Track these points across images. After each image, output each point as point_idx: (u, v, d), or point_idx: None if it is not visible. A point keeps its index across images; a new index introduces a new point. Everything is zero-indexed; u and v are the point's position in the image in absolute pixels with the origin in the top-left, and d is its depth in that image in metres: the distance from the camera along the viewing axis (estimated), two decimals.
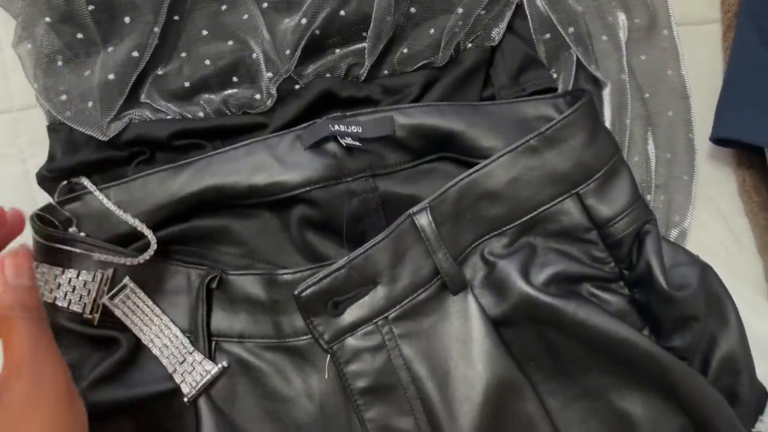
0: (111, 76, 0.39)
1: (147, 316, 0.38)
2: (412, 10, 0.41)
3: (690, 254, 0.39)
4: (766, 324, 0.43)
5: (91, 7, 0.39)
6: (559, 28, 0.42)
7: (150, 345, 0.37)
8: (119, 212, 0.37)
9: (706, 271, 0.39)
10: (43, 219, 0.37)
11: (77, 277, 0.36)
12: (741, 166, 0.45)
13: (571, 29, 0.42)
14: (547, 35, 0.43)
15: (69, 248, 0.36)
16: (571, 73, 0.43)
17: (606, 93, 0.42)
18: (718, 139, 0.43)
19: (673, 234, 0.42)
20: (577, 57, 0.42)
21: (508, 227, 0.38)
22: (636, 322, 0.38)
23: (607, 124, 0.42)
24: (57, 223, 0.38)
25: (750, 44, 0.44)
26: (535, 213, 0.38)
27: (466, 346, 0.37)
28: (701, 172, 0.44)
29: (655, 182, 0.43)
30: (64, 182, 0.39)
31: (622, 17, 0.43)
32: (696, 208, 0.44)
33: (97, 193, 0.38)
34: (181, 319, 0.38)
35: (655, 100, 0.43)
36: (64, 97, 0.39)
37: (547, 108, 0.40)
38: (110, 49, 0.39)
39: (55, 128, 0.41)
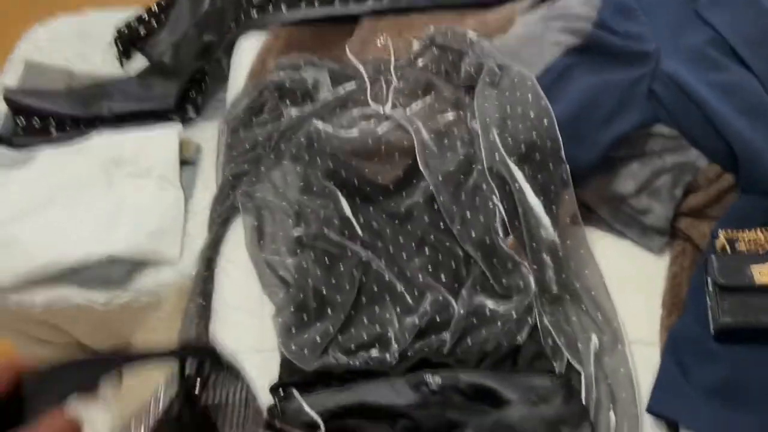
0: (317, 339, 0.76)
1: None
2: (474, 320, 0.78)
3: None
4: None
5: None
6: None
7: None
8: (311, 411, 0.71)
9: None
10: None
11: None
12: None
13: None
14: (549, 341, 0.77)
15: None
16: (563, 363, 0.75)
17: (583, 377, 0.74)
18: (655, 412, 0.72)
19: None
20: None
21: None
22: None
23: (583, 395, 0.73)
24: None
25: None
26: None
27: None
28: None
29: None
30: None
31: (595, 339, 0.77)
32: None
33: (300, 399, 0.72)
34: None
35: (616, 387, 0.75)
36: (294, 347, 0.76)
37: (545, 380, 0.72)
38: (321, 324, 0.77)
39: None
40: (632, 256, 0.84)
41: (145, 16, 1.32)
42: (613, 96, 0.80)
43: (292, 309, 0.78)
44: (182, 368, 0.51)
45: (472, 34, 0.96)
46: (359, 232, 0.85)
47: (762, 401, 0.68)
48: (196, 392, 0.52)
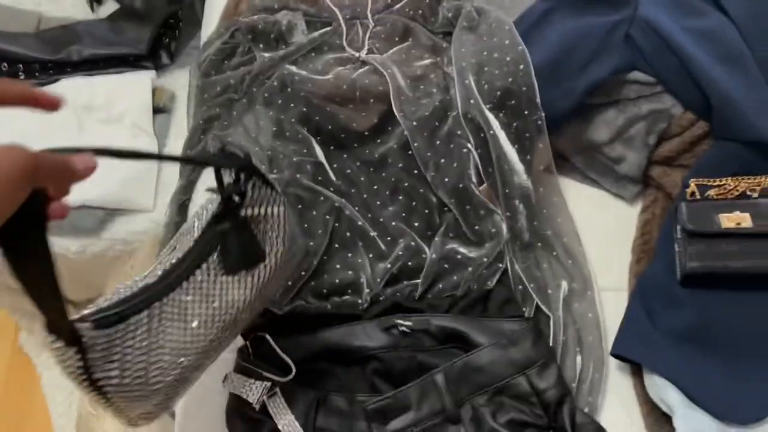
0: (289, 283, 0.76)
1: (282, 411, 0.69)
2: (446, 266, 0.78)
3: (591, 417, 0.68)
4: None
5: None
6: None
7: (282, 428, 0.68)
8: (283, 355, 0.72)
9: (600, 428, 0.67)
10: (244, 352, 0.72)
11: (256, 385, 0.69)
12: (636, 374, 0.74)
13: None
14: (519, 286, 0.78)
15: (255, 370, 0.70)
16: (533, 308, 0.76)
17: (552, 321, 0.75)
18: (617, 355, 0.74)
19: (586, 408, 0.71)
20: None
21: (486, 389, 0.69)
22: None
23: (551, 339, 0.74)
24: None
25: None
26: (502, 383, 0.69)
27: None
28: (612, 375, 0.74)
29: (580, 377, 0.73)
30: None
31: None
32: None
33: (272, 343, 0.73)
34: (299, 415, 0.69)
35: (583, 331, 0.76)
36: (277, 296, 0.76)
37: (514, 325, 0.73)
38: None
39: None
40: (605, 204, 0.85)
41: None
42: (590, 41, 0.79)
43: None
44: (219, 176, 0.52)
45: None
46: (333, 178, 0.84)
47: (726, 345, 0.69)
48: (236, 201, 0.53)
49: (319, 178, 0.84)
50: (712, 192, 0.75)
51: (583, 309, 0.77)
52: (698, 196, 0.76)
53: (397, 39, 0.93)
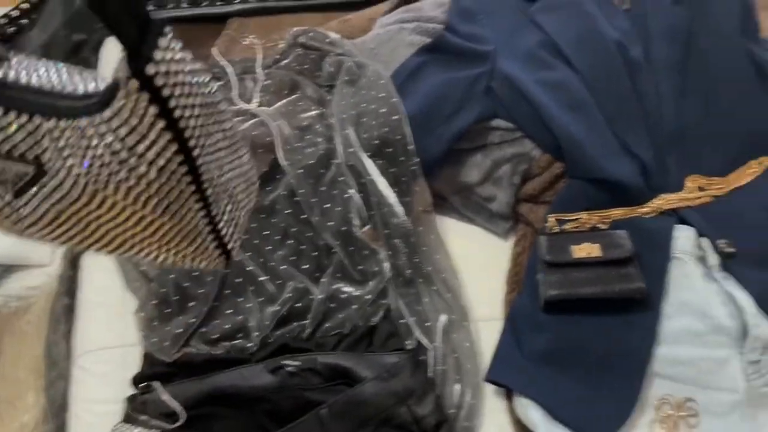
0: (179, 331, 0.78)
1: None
2: (332, 305, 0.82)
3: None
4: None
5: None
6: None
7: None
8: (171, 401, 0.73)
9: None
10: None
11: None
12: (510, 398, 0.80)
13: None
14: (402, 321, 0.83)
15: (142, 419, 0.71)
16: (414, 340, 0.81)
17: (430, 352, 0.80)
18: (492, 381, 0.80)
19: None
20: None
21: (370, 421, 0.73)
22: None
23: (431, 369, 0.80)
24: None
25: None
26: (384, 413, 0.73)
27: None
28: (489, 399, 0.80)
29: (459, 403, 0.78)
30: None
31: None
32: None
33: (161, 390, 0.74)
34: None
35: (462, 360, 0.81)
36: (155, 339, 0.78)
37: (395, 357, 0.78)
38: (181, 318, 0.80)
39: None
40: (481, 240, 0.92)
41: (16, 13, 1.28)
42: (456, 92, 0.87)
43: (154, 302, 0.80)
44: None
45: (333, 35, 1.00)
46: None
47: (582, 365, 0.76)
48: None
49: None
50: (568, 225, 0.84)
51: (461, 339, 0.83)
52: (557, 230, 0.84)
53: (285, 92, 0.98)
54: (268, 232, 0.88)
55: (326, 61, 0.97)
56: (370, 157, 0.86)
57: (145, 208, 0.41)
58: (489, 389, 0.80)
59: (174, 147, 0.39)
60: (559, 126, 0.83)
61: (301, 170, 0.88)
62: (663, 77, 0.88)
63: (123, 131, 0.38)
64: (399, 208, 0.86)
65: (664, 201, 0.85)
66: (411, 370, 0.76)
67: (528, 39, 0.89)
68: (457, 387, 0.80)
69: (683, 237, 0.81)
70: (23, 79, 0.40)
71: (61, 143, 0.39)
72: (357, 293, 0.83)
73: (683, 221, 0.84)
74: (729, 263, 0.80)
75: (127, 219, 0.42)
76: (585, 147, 0.83)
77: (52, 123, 0.39)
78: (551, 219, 0.84)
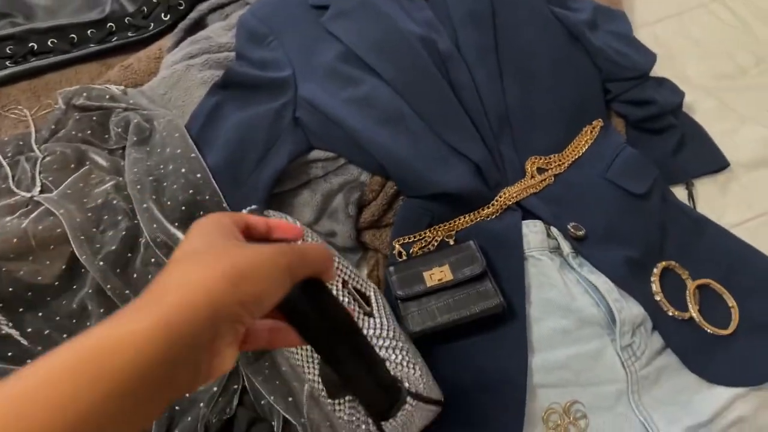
0: None
1: None
2: (177, 408, 0.71)
3: None
4: None
5: None
6: None
7: None
8: None
9: None
10: None
11: None
12: None
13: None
14: (263, 401, 0.73)
15: None
16: (280, 419, 0.72)
17: (299, 426, 0.71)
18: None
19: None
20: None
21: None
22: None
23: None
24: None
25: None
26: None
27: None
28: None
29: None
30: None
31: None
32: None
33: None
34: None
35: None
36: None
37: None
38: None
39: None
40: None
41: None
42: (260, 132, 0.77)
43: None
44: None
45: (113, 88, 0.86)
46: (27, 345, 0.73)
47: (461, 398, 0.70)
48: None
49: (9, 353, 0.72)
50: (415, 248, 0.77)
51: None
52: (405, 255, 0.77)
53: (72, 166, 0.84)
54: None
55: (112, 120, 0.84)
56: (179, 227, 0.74)
57: None
58: None
59: None
60: (376, 145, 0.76)
61: (103, 261, 0.75)
62: (476, 64, 0.83)
63: None
64: None
65: (507, 195, 0.80)
66: None
67: (326, 54, 0.79)
68: None
69: (532, 233, 0.76)
70: None
71: None
72: (202, 387, 0.72)
73: (530, 213, 0.79)
74: (581, 247, 0.77)
75: None
76: (410, 163, 0.76)
77: None
78: (396, 245, 0.76)
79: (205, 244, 0.34)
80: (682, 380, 0.72)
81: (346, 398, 0.60)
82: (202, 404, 0.71)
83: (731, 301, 0.77)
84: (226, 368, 0.34)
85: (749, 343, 0.75)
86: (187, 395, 0.71)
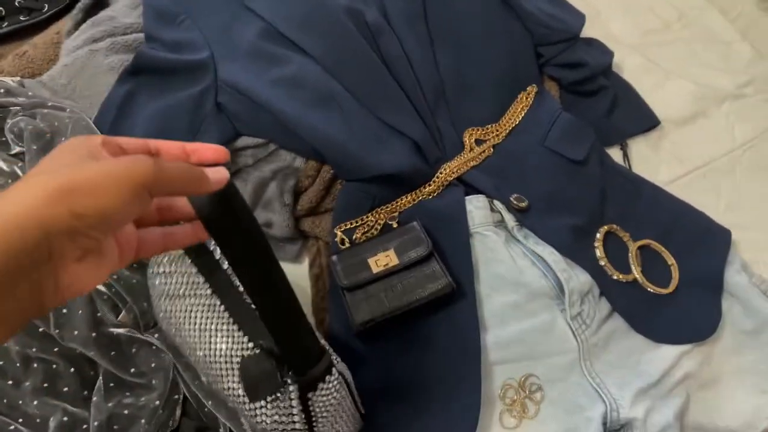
0: None
1: None
2: (116, 427, 0.66)
3: None
4: None
5: None
6: None
7: None
8: None
9: None
10: None
11: None
12: None
13: None
14: (206, 408, 0.69)
15: None
16: (226, 426, 0.68)
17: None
18: None
19: None
20: None
21: None
22: None
23: None
24: None
25: None
26: None
27: None
28: None
29: None
30: None
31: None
32: None
33: None
34: None
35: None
36: None
37: None
38: None
39: None
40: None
41: None
42: (180, 122, 0.70)
43: None
44: None
45: (8, 81, 0.77)
46: None
47: (411, 387, 0.68)
48: None
49: None
50: (358, 234, 0.73)
51: None
52: (348, 242, 0.73)
53: None
54: (2, 363, 0.68)
55: (7, 124, 0.75)
56: None
57: None
58: None
59: None
60: (307, 129, 0.71)
61: None
62: (406, 35, 0.79)
63: None
64: None
65: (448, 171, 0.78)
66: None
67: (247, 32, 0.73)
68: None
69: (476, 210, 0.74)
70: None
71: None
72: (142, 401, 0.67)
73: (471, 187, 0.77)
74: (525, 219, 0.75)
75: None
76: (345, 145, 0.71)
77: None
78: (337, 233, 0.73)
79: (53, 165, 0.34)
80: (630, 342, 0.73)
81: (268, 398, 0.55)
82: (143, 420, 0.66)
83: (671, 260, 0.79)
84: (82, 286, 0.34)
85: (689, 300, 0.76)
86: (125, 411, 0.66)
